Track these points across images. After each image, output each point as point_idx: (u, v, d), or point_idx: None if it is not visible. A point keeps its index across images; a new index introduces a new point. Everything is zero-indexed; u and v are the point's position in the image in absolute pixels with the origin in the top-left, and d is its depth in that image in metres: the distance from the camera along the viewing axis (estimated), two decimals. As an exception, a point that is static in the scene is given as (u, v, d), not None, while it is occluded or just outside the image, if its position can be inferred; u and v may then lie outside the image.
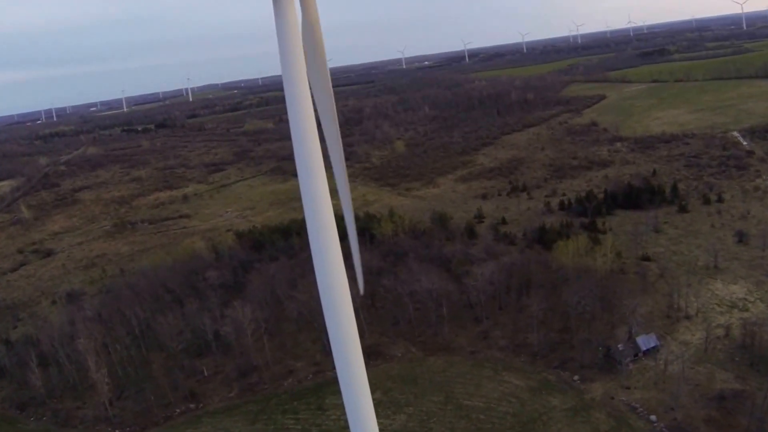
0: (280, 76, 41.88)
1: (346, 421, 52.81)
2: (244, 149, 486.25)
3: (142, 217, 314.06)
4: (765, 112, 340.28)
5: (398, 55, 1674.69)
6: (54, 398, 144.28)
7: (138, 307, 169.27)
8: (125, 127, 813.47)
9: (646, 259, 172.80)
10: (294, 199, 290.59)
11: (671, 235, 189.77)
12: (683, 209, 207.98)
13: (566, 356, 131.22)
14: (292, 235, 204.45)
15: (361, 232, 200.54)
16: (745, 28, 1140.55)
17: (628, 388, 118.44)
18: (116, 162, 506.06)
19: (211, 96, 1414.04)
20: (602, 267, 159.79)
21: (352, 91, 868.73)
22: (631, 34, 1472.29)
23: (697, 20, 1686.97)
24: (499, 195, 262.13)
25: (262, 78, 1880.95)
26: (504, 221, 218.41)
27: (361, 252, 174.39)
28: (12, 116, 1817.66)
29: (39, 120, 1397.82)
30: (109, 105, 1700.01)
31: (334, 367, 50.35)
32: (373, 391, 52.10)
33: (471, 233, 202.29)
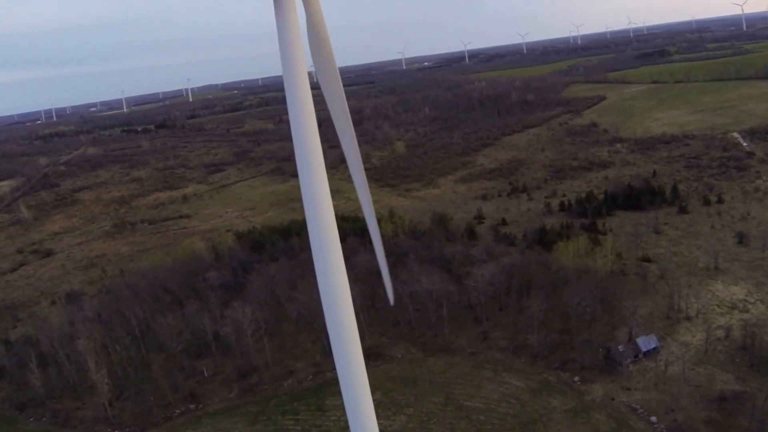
0: (280, 76, 41.85)
1: (346, 421, 52.70)
2: (244, 150, 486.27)
3: (141, 217, 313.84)
4: (765, 113, 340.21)
5: (398, 56, 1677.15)
6: (53, 399, 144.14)
7: (138, 308, 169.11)
8: (125, 128, 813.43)
9: (647, 260, 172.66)
10: (294, 199, 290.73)
11: (671, 236, 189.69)
12: (683, 210, 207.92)
13: (566, 357, 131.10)
14: (292, 236, 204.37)
15: (361, 233, 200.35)
16: (745, 29, 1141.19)
17: (629, 389, 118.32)
18: (116, 162, 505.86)
19: (211, 96, 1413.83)
20: (602, 268, 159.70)
21: (352, 92, 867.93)
22: (631, 35, 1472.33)
23: (697, 21, 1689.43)
24: (500, 196, 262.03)
25: (262, 78, 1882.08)
26: (504, 222, 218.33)
27: (361, 253, 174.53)
28: (12, 116, 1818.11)
29: (39, 120, 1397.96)
30: (109, 105, 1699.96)
31: (334, 368, 50.27)
32: (373, 392, 52.00)
33: (471, 234, 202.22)
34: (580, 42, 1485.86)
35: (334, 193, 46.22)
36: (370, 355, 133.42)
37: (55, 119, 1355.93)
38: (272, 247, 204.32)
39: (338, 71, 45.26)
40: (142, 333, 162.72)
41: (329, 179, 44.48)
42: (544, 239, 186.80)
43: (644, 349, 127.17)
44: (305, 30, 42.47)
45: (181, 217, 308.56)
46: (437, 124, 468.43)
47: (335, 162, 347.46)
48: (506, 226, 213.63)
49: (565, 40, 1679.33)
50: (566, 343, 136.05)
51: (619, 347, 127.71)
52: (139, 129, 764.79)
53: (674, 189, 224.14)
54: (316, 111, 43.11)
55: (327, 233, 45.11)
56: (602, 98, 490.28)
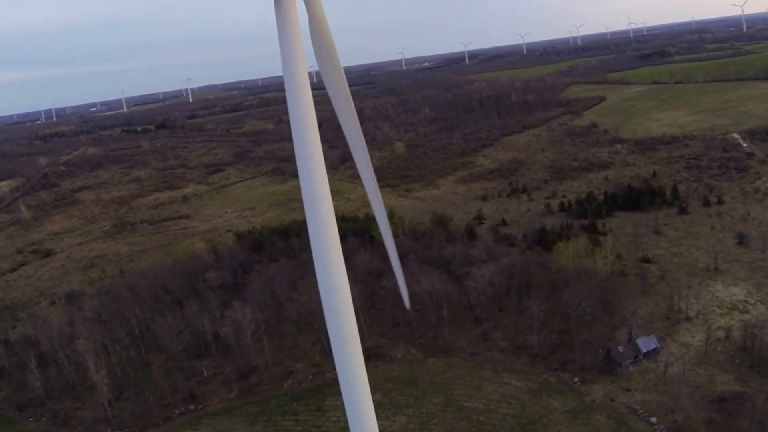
0: (280, 76, 41.78)
1: (346, 422, 52.63)
2: (243, 150, 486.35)
3: (141, 217, 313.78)
4: (765, 114, 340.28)
5: (398, 57, 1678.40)
6: (53, 399, 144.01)
7: (137, 308, 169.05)
8: (125, 128, 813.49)
9: (647, 260, 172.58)
10: (294, 199, 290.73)
11: (671, 237, 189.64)
12: (683, 211, 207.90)
13: (566, 358, 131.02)
14: (292, 236, 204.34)
15: (361, 233, 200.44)
16: (745, 30, 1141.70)
17: (629, 390, 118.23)
18: (116, 162, 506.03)
19: (210, 97, 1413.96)
20: (602, 269, 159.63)
21: (352, 93, 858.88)
22: (631, 35, 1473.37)
23: (697, 22, 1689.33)
24: (499, 196, 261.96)
25: (262, 79, 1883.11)
26: (504, 223, 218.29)
27: (361, 253, 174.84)
28: (12, 116, 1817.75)
29: (39, 120, 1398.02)
30: (109, 105, 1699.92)
31: (333, 369, 50.22)
32: (372, 393, 51.95)
33: (471, 235, 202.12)
34: (580, 43, 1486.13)
35: (334, 193, 46.18)
36: (370, 356, 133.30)
37: (55, 119, 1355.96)
38: (272, 248, 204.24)
39: (343, 70, 45.12)
40: (141, 333, 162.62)
41: (329, 179, 44.42)
42: (544, 240, 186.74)
43: (644, 350, 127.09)
44: (306, 30, 42.39)
45: (180, 217, 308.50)
46: (437, 125, 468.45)
47: (335, 162, 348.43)
48: (506, 227, 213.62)
49: (565, 41, 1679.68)
50: (566, 344, 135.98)
51: (619, 348, 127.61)
52: (139, 129, 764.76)
53: (674, 190, 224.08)
54: (316, 111, 43.04)
55: (327, 233, 45.05)
56: (602, 99, 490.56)
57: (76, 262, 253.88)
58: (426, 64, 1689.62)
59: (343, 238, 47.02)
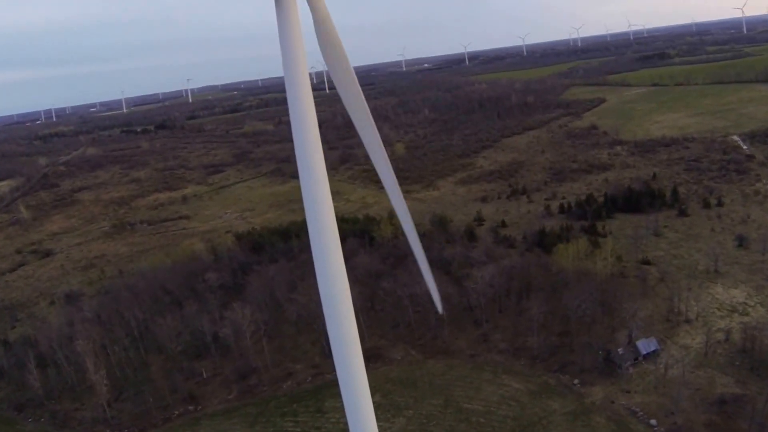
0: (280, 77, 41.68)
1: (345, 423, 52.50)
2: (243, 151, 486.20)
3: (141, 218, 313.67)
4: (765, 116, 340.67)
5: (398, 58, 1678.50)
6: (52, 399, 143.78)
7: (137, 309, 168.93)
8: (125, 128, 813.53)
9: (647, 262, 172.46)
10: (293, 200, 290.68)
11: (671, 239, 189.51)
12: (683, 213, 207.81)
13: (566, 360, 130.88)
14: (292, 237, 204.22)
15: (361, 234, 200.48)
16: (745, 32, 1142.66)
17: (629, 392, 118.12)
18: (115, 163, 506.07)
19: (210, 97, 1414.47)
20: (602, 270, 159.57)
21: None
22: (632, 37, 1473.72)
23: (697, 24, 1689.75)
24: (499, 198, 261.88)
25: (261, 79, 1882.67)
26: (504, 224, 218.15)
27: (361, 254, 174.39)
28: (11, 116, 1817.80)
29: (38, 120, 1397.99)
30: (108, 106, 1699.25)
31: (333, 370, 50.08)
32: (372, 394, 51.78)
33: (471, 236, 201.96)
34: (580, 44, 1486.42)
35: (334, 194, 45.98)
36: (370, 357, 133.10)
37: (54, 119, 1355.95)
38: (272, 249, 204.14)
39: (352, 69, 44.80)
40: (141, 334, 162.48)
41: (329, 180, 44.29)
42: (543, 241, 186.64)
43: (644, 352, 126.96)
44: (307, 30, 42.28)
45: (180, 218, 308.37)
46: (437, 126, 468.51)
47: (335, 163, 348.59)
48: (506, 228, 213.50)
49: (565, 43, 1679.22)
50: (566, 346, 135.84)
51: (619, 350, 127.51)
52: (139, 129, 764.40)
53: (674, 192, 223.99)
54: (316, 112, 42.92)
55: (327, 234, 44.92)
56: (602, 101, 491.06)
57: (76, 263, 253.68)
58: (426, 65, 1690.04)
59: (343, 239, 46.81)
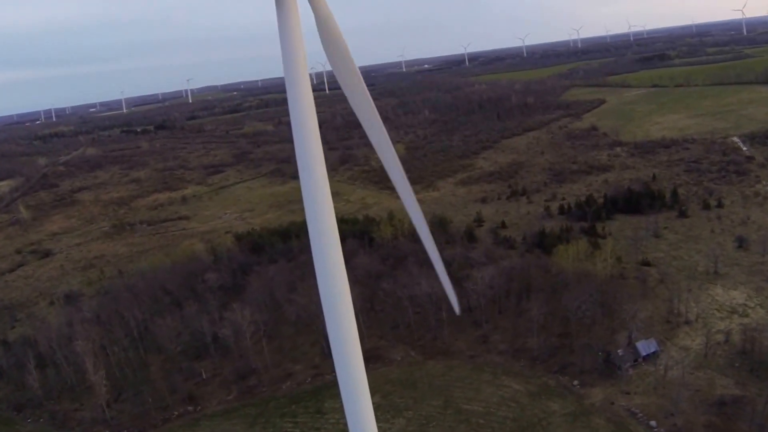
0: (279, 78, 41.75)
1: (345, 424, 52.42)
2: (243, 151, 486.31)
3: (140, 218, 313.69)
4: (765, 117, 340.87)
5: (398, 58, 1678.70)
6: (51, 400, 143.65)
7: (136, 309, 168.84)
8: (124, 128, 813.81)
9: (646, 264, 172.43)
10: (293, 201, 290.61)
11: (671, 240, 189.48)
12: (683, 214, 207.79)
13: (566, 361, 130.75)
14: (292, 238, 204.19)
15: (361, 235, 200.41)
16: (745, 33, 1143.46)
17: (628, 393, 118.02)
18: (115, 163, 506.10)
19: (210, 98, 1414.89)
20: (602, 272, 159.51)
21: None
22: (632, 38, 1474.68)
23: (697, 25, 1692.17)
24: (499, 199, 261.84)
25: (261, 80, 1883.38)
26: (504, 225, 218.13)
27: (361, 255, 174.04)
28: (11, 116, 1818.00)
29: (38, 120, 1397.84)
30: (108, 106, 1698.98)
31: (332, 371, 50.04)
32: (371, 395, 51.69)
33: (471, 237, 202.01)
34: (580, 45, 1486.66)
35: (334, 195, 45.84)
36: (369, 358, 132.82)
37: (54, 119, 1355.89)
38: (271, 249, 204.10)
39: (356, 67, 44.56)
40: (140, 334, 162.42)
41: (328, 181, 44.22)
42: (543, 242, 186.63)
43: (644, 353, 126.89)
44: (307, 30, 42.20)
45: (180, 218, 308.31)
46: (437, 127, 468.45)
47: (335, 164, 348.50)
48: (506, 229, 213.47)
49: (565, 44, 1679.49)
50: (566, 347, 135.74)
51: (619, 351, 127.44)
52: (139, 130, 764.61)
53: (674, 193, 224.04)
54: (316, 112, 42.84)
55: (327, 235, 44.86)
56: (602, 102, 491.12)
57: (75, 263, 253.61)
58: (426, 66, 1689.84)
59: (343, 239, 46.64)
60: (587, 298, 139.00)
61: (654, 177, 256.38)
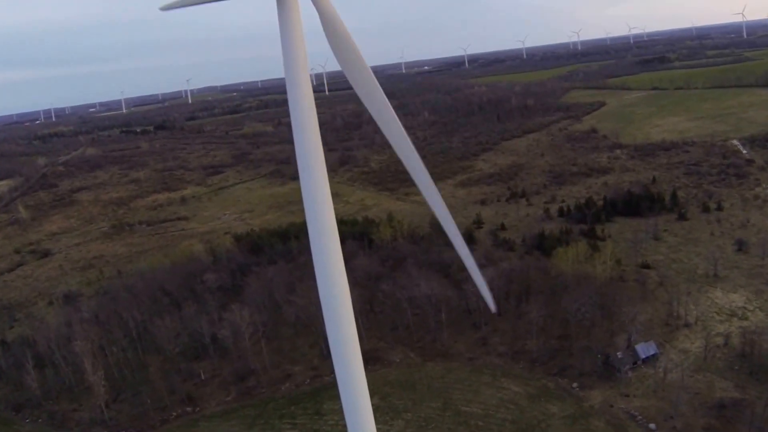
0: (279, 78, 41.69)
1: (344, 426, 52.31)
2: (243, 152, 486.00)
3: (140, 218, 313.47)
4: (765, 120, 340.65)
5: (398, 60, 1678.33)
6: (50, 400, 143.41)
7: (135, 310, 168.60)
8: (124, 129, 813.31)
9: (646, 266, 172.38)
10: (292, 202, 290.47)
11: (671, 243, 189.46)
12: (683, 217, 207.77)
13: (565, 363, 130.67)
14: (291, 239, 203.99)
15: (360, 236, 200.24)
16: (745, 36, 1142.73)
17: (627, 395, 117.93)
18: (115, 163, 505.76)
19: (210, 98, 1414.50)
20: (602, 274, 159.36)
21: (352, 96, 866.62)
22: (631, 41, 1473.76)
23: (697, 28, 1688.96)
24: (498, 201, 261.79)
25: (261, 81, 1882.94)
26: (503, 227, 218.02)
27: (360, 257, 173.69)
28: (11, 116, 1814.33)
29: (38, 120, 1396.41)
30: (108, 106, 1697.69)
31: (331, 372, 49.94)
32: (370, 397, 51.61)
33: (470, 239, 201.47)
34: (580, 47, 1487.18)
35: (333, 196, 45.74)
36: (368, 360, 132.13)
37: (54, 119, 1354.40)
38: (271, 250, 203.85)
39: (366, 63, 44.20)
40: (139, 335, 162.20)
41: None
42: (543, 245, 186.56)
43: (643, 356, 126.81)
44: (308, 31, 42.07)
45: (179, 218, 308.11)
46: (437, 129, 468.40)
47: (334, 165, 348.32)
48: (505, 231, 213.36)
49: (565, 46, 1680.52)
50: (565, 349, 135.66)
51: (618, 354, 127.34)
52: (138, 130, 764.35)
53: (674, 196, 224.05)
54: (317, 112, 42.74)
55: (327, 236, 44.80)
56: (602, 104, 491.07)
57: (74, 263, 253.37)
58: (426, 67, 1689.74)
59: (342, 241, 46.48)
60: (587, 301, 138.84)
61: (654, 179, 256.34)
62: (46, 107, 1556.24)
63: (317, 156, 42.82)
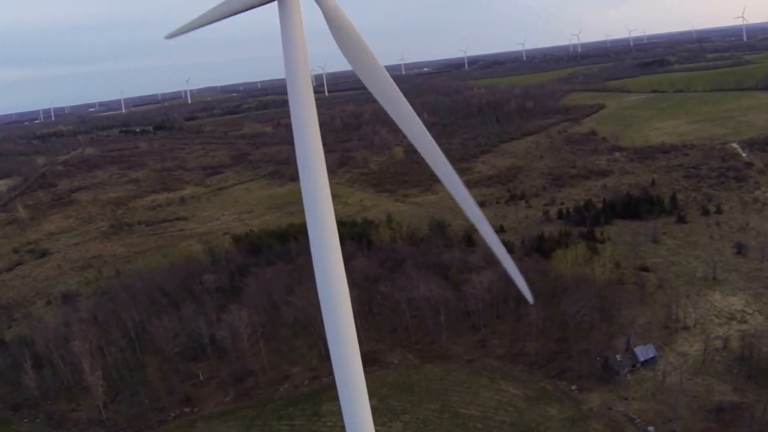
0: (278, 79, 41.54)
1: (342, 427, 52.20)
2: (242, 152, 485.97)
3: (138, 218, 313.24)
4: (765, 124, 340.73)
5: (398, 61, 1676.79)
6: (48, 400, 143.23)
7: (134, 310, 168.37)
8: (123, 128, 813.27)
9: (645, 269, 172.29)
10: (291, 203, 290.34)
11: (670, 246, 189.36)
12: (682, 220, 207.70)
13: (564, 366, 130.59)
14: (290, 240, 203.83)
15: (359, 237, 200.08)
16: (745, 39, 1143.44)
17: (626, 398, 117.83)
18: (114, 163, 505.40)
19: (209, 98, 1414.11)
20: (601, 277, 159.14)
21: (351, 97, 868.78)
22: (631, 44, 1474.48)
23: (697, 31, 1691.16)
24: (498, 203, 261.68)
25: (261, 81, 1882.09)
26: (502, 229, 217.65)
27: (359, 258, 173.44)
28: (10, 115, 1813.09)
29: (37, 119, 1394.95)
30: (107, 106, 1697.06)
31: (330, 373, 49.84)
32: (369, 399, 51.46)
33: (469, 241, 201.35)
34: (579, 50, 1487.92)
35: (332, 197, 45.61)
36: (367, 361, 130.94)
37: (53, 119, 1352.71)
38: (269, 251, 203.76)
39: (376, 58, 43.53)
40: (137, 335, 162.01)
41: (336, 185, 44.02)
42: (542, 247, 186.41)
43: (642, 359, 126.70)
44: (309, 31, 41.88)
45: (178, 219, 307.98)
46: (436, 130, 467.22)
47: (333, 166, 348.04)
48: (504, 233, 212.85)
49: (565, 48, 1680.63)
50: (564, 352, 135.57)
51: (617, 356, 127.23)
52: (138, 130, 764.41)
53: (673, 198, 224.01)
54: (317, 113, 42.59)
55: (327, 237, 44.68)
56: (601, 107, 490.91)
57: (73, 263, 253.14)
58: (425, 69, 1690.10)
59: (341, 242, 46.27)
60: (586, 303, 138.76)
61: (653, 182, 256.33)
62: (46, 107, 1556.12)
63: (317, 157, 42.70)
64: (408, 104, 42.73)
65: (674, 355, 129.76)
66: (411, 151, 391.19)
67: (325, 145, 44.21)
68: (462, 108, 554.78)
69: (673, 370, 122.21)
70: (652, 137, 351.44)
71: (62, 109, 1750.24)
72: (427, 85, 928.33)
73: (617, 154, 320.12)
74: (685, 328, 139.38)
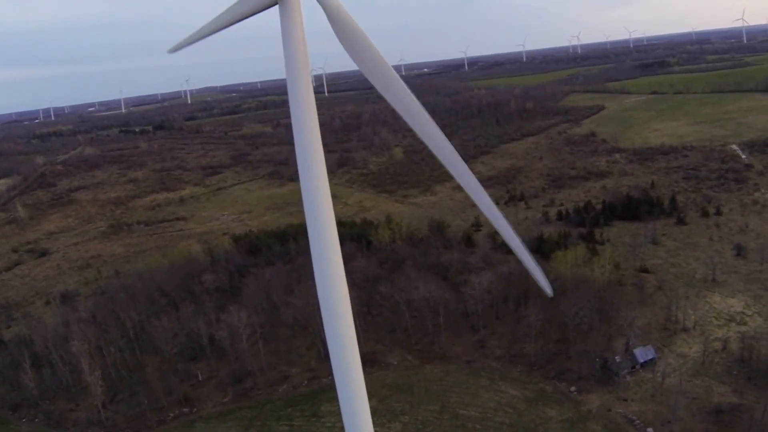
0: (278, 79, 41.47)
1: (341, 428, 52.12)
2: (241, 152, 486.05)
3: (138, 218, 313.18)
4: (764, 125, 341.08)
5: (398, 62, 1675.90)
6: (47, 400, 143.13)
7: (133, 310, 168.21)
8: (123, 128, 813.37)
9: (644, 270, 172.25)
10: (291, 203, 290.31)
11: (669, 247, 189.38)
12: (681, 221, 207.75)
13: (563, 367, 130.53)
14: (289, 240, 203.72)
15: (358, 238, 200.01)
16: (745, 41, 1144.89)
17: (625, 400, 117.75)
18: (113, 163, 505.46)
19: (209, 98, 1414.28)
20: (600, 278, 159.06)
21: (351, 97, 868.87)
22: (631, 45, 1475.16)
23: (697, 33, 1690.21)
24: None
25: (260, 82, 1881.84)
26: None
27: (358, 258, 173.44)
28: (10, 114, 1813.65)
29: (37, 119, 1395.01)
30: (107, 105, 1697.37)
31: (329, 374, 49.78)
32: (368, 399, 51.37)
33: (468, 241, 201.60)
34: (580, 51, 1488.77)
35: (332, 197, 45.50)
36: (366, 362, 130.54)
37: (53, 118, 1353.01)
38: (268, 251, 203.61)
39: (380, 53, 43.15)
40: (136, 335, 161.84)
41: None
42: (541, 248, 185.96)
43: (641, 360, 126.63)
44: (309, 31, 41.77)
45: (177, 219, 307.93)
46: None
47: (333, 167, 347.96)
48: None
49: (565, 49, 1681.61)
50: (563, 353, 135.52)
51: (616, 358, 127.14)
52: (137, 130, 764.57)
53: (672, 200, 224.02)
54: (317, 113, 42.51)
55: (327, 238, 44.57)
56: (601, 108, 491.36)
57: (72, 263, 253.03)
58: (425, 70, 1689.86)
59: (340, 243, 46.17)
60: (585, 305, 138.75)
61: (652, 184, 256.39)
62: (45, 106, 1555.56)
63: (317, 157, 42.61)
64: (416, 99, 42.23)
65: (673, 356, 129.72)
66: (410, 151, 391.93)
67: (324, 145, 44.09)
68: (462, 109, 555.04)
69: (673, 371, 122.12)
70: (651, 139, 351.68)
71: (62, 108, 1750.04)
72: (427, 86, 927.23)
73: (617, 156, 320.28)
74: (685, 329, 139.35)
